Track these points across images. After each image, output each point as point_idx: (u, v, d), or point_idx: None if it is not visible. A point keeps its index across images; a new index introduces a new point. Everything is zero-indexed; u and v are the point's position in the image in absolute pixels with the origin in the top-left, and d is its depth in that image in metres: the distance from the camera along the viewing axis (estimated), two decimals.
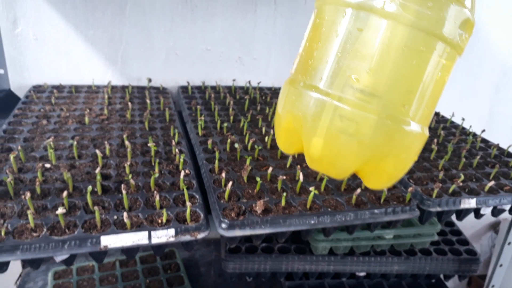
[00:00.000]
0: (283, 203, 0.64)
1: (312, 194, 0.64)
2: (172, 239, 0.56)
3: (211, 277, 1.12)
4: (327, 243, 0.88)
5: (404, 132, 0.44)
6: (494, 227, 1.60)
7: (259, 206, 0.62)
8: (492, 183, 0.74)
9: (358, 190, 0.66)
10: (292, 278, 0.98)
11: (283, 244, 0.92)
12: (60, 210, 0.55)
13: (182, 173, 0.65)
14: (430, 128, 1.01)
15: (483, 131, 0.99)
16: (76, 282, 0.97)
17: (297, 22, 1.20)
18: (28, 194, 0.56)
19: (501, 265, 0.94)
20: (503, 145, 0.93)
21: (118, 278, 0.99)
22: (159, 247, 0.59)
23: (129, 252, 0.58)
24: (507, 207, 0.75)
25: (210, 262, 1.17)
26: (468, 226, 1.50)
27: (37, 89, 1.03)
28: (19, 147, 0.71)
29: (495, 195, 0.72)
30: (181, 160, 0.70)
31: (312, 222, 0.62)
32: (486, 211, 0.74)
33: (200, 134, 0.85)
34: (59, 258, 0.55)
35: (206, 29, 1.15)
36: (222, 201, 0.63)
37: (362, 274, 0.98)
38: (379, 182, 0.52)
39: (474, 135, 1.01)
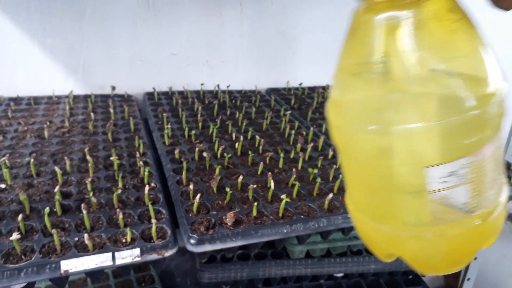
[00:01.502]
0: (254, 213, 0.62)
1: (283, 202, 0.62)
2: (137, 259, 0.53)
3: None
4: (303, 246, 0.87)
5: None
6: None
7: (229, 218, 0.60)
8: None
9: (331, 195, 0.65)
10: (270, 283, 0.96)
11: (259, 250, 0.90)
12: (15, 236, 0.51)
13: (147, 188, 0.62)
14: None
15: None
16: None
17: (263, 24, 1.19)
18: None
19: (475, 258, 0.95)
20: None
21: None
22: (125, 267, 0.56)
23: (93, 274, 0.55)
24: None
25: (186, 272, 1.14)
26: None
27: None
28: None
29: None
30: (146, 173, 0.67)
31: (285, 230, 0.61)
32: None
33: (167, 143, 0.82)
34: (16, 287, 0.51)
35: (171, 34, 1.12)
36: (190, 214, 0.61)
37: (340, 275, 0.97)
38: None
39: None
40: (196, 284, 1.10)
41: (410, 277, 1.05)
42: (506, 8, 0.33)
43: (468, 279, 0.97)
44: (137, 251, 0.53)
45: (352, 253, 0.92)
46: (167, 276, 1.11)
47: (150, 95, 1.09)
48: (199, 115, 0.96)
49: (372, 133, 0.33)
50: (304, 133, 0.92)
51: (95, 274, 0.56)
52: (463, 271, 1.01)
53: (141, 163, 0.71)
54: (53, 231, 0.52)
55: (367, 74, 0.33)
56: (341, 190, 0.70)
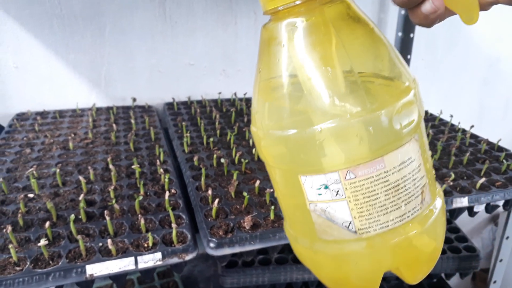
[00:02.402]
0: (272, 216, 0.63)
1: None
2: (159, 263, 0.55)
3: None
4: None
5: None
6: (494, 220, 1.59)
7: (247, 222, 0.61)
8: (483, 179, 0.73)
9: None
10: None
11: (280, 255, 0.90)
12: (42, 242, 0.53)
13: (167, 194, 0.64)
14: None
15: (472, 126, 0.98)
16: None
17: None
18: (9, 228, 0.55)
19: (501, 260, 0.93)
20: (495, 138, 0.93)
21: None
22: (148, 271, 0.58)
23: (117, 278, 0.57)
24: (501, 203, 0.74)
25: (209, 278, 1.15)
26: (467, 220, 1.49)
27: (21, 117, 1.02)
28: (1, 179, 0.70)
29: (487, 191, 0.71)
30: (166, 180, 0.69)
31: None
32: (480, 208, 0.73)
33: (186, 151, 0.84)
34: None
35: (188, 45, 1.15)
36: (209, 219, 0.62)
37: None
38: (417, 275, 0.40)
39: (464, 131, 1.00)
40: None
41: (435, 280, 1.03)
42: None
43: (495, 282, 0.95)
44: (158, 255, 0.55)
45: None
46: (190, 282, 1.13)
47: (169, 105, 1.11)
48: (217, 123, 0.98)
49: (270, 138, 0.33)
50: None
51: (119, 279, 0.57)
52: (490, 274, 0.99)
53: (161, 170, 0.73)
54: (79, 237, 0.54)
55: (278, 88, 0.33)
56: None
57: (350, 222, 0.32)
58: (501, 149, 0.89)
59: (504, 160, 0.83)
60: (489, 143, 0.92)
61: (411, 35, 1.27)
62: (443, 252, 0.93)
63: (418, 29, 1.29)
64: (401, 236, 0.32)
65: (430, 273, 0.94)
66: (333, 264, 0.35)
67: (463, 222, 1.05)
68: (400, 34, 1.27)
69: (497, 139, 0.92)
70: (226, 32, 1.16)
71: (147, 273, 0.58)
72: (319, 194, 0.32)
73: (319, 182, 0.31)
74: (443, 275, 1.00)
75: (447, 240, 0.98)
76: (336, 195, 0.31)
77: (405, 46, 1.27)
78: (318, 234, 0.34)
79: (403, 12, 1.27)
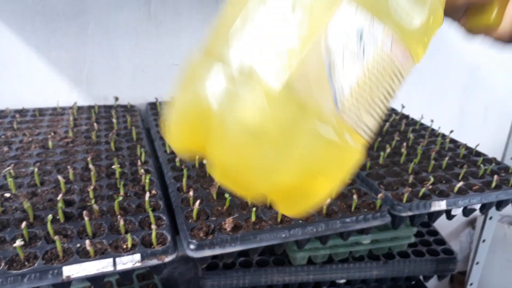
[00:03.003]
0: (253, 218, 0.63)
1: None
2: (138, 264, 0.54)
3: None
4: (304, 252, 0.87)
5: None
6: (472, 223, 1.62)
7: (228, 224, 0.61)
8: (460, 183, 0.74)
9: (328, 200, 0.66)
10: None
11: (261, 257, 0.90)
12: (18, 243, 0.52)
13: (147, 195, 0.64)
14: (399, 132, 1.02)
15: (452, 131, 1.00)
16: None
17: None
18: None
19: (477, 263, 0.95)
20: (474, 143, 0.95)
21: None
22: (126, 273, 0.57)
23: (95, 280, 0.56)
24: (478, 206, 0.76)
25: (190, 280, 1.14)
26: (446, 224, 1.52)
27: (1, 112, 1.00)
28: None
29: (464, 195, 0.73)
30: (147, 180, 0.69)
31: (283, 235, 0.61)
32: (457, 211, 0.75)
33: (168, 151, 0.83)
34: None
35: (173, 44, 1.14)
36: (190, 220, 0.62)
37: (342, 281, 0.97)
38: (293, 206, 0.36)
39: (443, 136, 1.02)
40: None
41: (413, 282, 1.04)
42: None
43: (471, 284, 0.97)
44: (137, 256, 0.54)
45: (354, 259, 0.92)
46: (170, 284, 1.12)
47: (152, 105, 1.10)
48: None
49: None
50: None
51: (97, 281, 0.57)
52: (466, 276, 1.01)
53: (142, 171, 0.73)
54: (56, 237, 0.53)
55: None
56: (339, 195, 0.70)
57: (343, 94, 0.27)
58: (479, 154, 0.91)
59: (481, 165, 0.85)
60: (467, 148, 0.94)
61: None
62: (422, 254, 0.95)
63: None
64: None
65: (409, 275, 0.95)
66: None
67: (442, 225, 1.07)
68: None
69: (476, 144, 0.94)
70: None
71: (126, 275, 0.57)
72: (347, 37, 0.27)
73: (357, 23, 0.27)
74: (421, 277, 1.02)
75: (425, 243, 0.99)
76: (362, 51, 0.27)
77: None
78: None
79: None
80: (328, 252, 0.88)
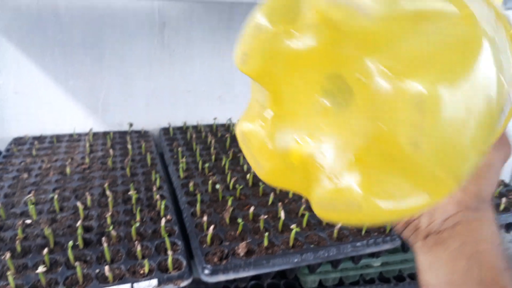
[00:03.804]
0: (265, 243, 0.64)
1: (294, 232, 0.65)
2: None
3: None
4: (315, 276, 0.88)
5: None
6: None
7: (241, 248, 0.62)
8: None
9: (339, 224, 0.67)
10: None
11: (272, 281, 0.91)
12: (40, 269, 0.54)
13: (163, 220, 0.66)
14: None
15: None
16: None
17: None
18: (7, 255, 0.56)
19: None
20: None
21: None
22: None
23: None
24: None
25: None
26: None
27: (18, 141, 1.04)
28: (0, 204, 0.71)
29: None
30: (162, 206, 0.71)
31: (296, 260, 0.63)
32: None
33: (181, 176, 0.86)
34: None
35: (185, 72, 1.18)
36: (204, 245, 0.63)
37: None
38: None
39: None
40: None
41: None
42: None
43: None
44: (154, 281, 0.56)
45: (365, 282, 0.92)
46: None
47: (165, 131, 1.14)
48: (212, 148, 1.00)
49: None
50: None
51: None
52: None
53: (157, 196, 0.75)
54: (76, 263, 0.56)
55: None
56: None
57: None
58: None
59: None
60: None
61: None
62: None
63: None
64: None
65: None
66: None
67: None
68: None
69: None
70: (223, 60, 1.20)
71: None
72: None
73: None
74: None
75: None
76: None
77: None
78: None
79: None
80: (339, 275, 0.89)
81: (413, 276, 0.94)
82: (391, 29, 0.23)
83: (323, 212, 0.28)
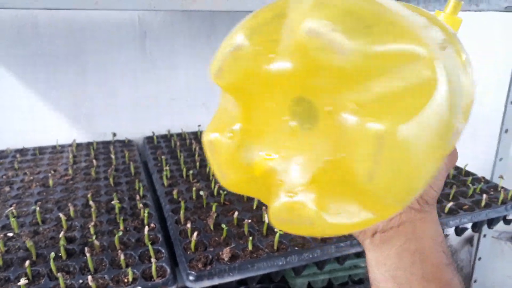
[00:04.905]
0: (250, 247, 0.65)
1: (278, 235, 0.65)
2: None
3: None
4: (304, 278, 0.88)
5: None
6: (470, 241, 1.62)
7: (226, 254, 0.62)
8: (451, 203, 0.77)
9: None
10: None
11: (261, 285, 0.91)
12: (22, 282, 0.54)
13: (147, 229, 0.66)
14: None
15: None
16: None
17: None
18: None
19: (475, 281, 0.96)
20: (463, 162, 0.97)
21: None
22: None
23: None
24: (469, 225, 0.78)
25: None
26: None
27: (0, 154, 1.03)
28: None
29: (454, 215, 0.75)
30: (146, 214, 0.71)
31: (280, 263, 0.63)
32: (450, 231, 0.76)
33: (165, 184, 0.86)
34: None
35: (169, 80, 1.18)
36: (188, 252, 0.63)
37: None
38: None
39: None
40: None
41: None
42: None
43: None
44: None
45: (354, 282, 0.93)
46: None
47: (149, 139, 1.13)
48: (196, 155, 1.00)
49: None
50: None
51: None
52: None
53: (141, 205, 0.75)
54: (59, 274, 0.55)
55: None
56: None
57: None
58: (468, 173, 0.94)
59: (470, 184, 0.87)
60: (457, 168, 0.96)
61: None
62: None
63: None
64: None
65: None
66: None
67: None
68: None
69: (464, 163, 0.96)
70: (205, 67, 1.20)
71: None
72: None
73: None
74: None
75: None
76: None
77: None
78: None
79: None
80: (327, 276, 0.89)
81: None
82: (362, 68, 0.25)
83: (277, 223, 0.31)
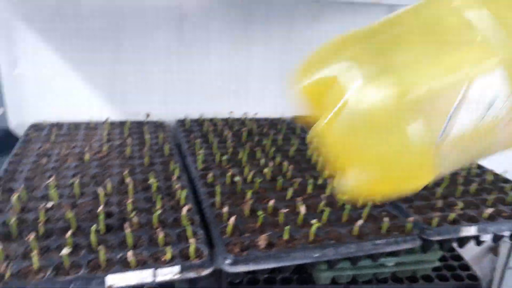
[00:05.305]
0: (285, 236, 0.64)
1: (315, 226, 0.64)
2: (177, 276, 0.56)
3: None
4: (330, 272, 0.87)
5: None
6: (493, 249, 1.59)
7: (262, 241, 0.62)
8: (491, 210, 0.75)
9: (360, 221, 0.67)
10: None
11: (285, 275, 0.91)
12: (65, 251, 0.55)
13: (186, 208, 0.66)
14: None
15: None
16: None
17: (289, 56, 1.25)
18: (32, 235, 0.57)
19: None
20: (500, 169, 0.95)
21: None
22: (163, 285, 0.59)
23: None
24: (507, 233, 0.76)
25: None
26: (467, 248, 1.50)
27: (36, 127, 1.04)
28: (21, 187, 0.71)
29: (494, 222, 0.73)
30: (183, 195, 0.71)
31: (316, 255, 0.63)
32: (487, 237, 0.75)
33: (199, 168, 0.86)
34: None
35: (202, 65, 1.18)
36: (225, 236, 0.63)
37: None
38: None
39: None
40: None
41: None
42: None
43: None
44: (176, 268, 0.56)
45: (378, 281, 0.92)
46: None
47: (182, 122, 1.14)
48: (228, 142, 1.00)
49: None
50: None
51: None
52: None
53: (177, 186, 0.75)
54: (100, 247, 0.56)
55: None
56: (370, 217, 0.72)
57: None
58: (506, 180, 0.92)
59: (509, 191, 0.85)
60: (494, 174, 0.94)
61: None
62: (446, 279, 0.95)
63: None
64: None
65: None
66: None
67: (463, 250, 1.06)
68: None
69: (502, 170, 0.94)
70: (239, 55, 1.20)
71: (161, 286, 0.59)
72: None
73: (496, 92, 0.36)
74: None
75: (449, 268, 0.99)
76: None
77: None
78: None
79: None
80: (353, 272, 0.89)
81: (426, 278, 0.94)
82: None
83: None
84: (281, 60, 1.23)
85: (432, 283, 0.93)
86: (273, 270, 0.90)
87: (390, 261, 0.89)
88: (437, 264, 0.93)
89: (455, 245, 0.86)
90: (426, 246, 0.71)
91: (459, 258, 1.04)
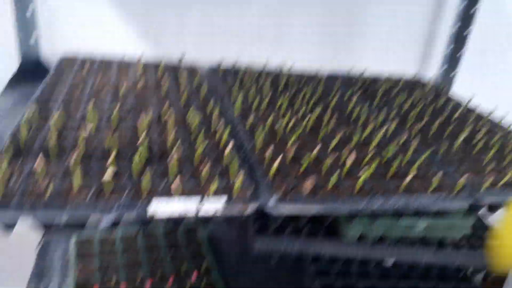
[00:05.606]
0: (330, 185, 0.62)
1: (363, 177, 0.62)
2: (220, 210, 0.54)
3: (234, 257, 1.09)
4: (359, 227, 0.86)
5: None
6: None
7: (306, 185, 0.60)
8: None
9: (409, 177, 0.64)
10: (317, 261, 0.96)
11: (311, 226, 0.90)
12: (110, 170, 0.53)
13: (231, 144, 0.63)
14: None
15: None
16: (99, 251, 0.95)
17: (331, 7, 1.20)
18: (74, 155, 0.55)
19: None
20: None
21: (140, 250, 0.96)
22: (204, 219, 0.57)
23: (174, 221, 0.57)
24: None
25: (234, 241, 1.14)
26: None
27: (68, 59, 1.01)
28: (59, 111, 0.69)
29: None
30: (225, 134, 0.69)
31: (363, 204, 0.60)
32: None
33: (237, 113, 0.83)
34: (105, 221, 0.53)
35: (241, 10, 1.14)
36: (268, 177, 0.61)
37: (390, 263, 0.96)
38: None
39: None
40: (244, 253, 1.10)
41: (460, 275, 1.02)
42: None
43: None
44: (222, 201, 0.54)
45: (406, 243, 0.90)
46: (212, 244, 1.12)
47: (217, 68, 1.10)
48: (266, 89, 0.97)
49: None
50: (373, 117, 0.91)
51: (175, 221, 0.57)
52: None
53: (216, 125, 0.73)
54: (144, 174, 0.54)
55: None
56: (418, 175, 0.69)
57: None
58: None
59: None
60: None
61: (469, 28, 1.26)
62: (474, 247, 0.92)
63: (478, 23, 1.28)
64: None
65: (459, 267, 0.93)
66: None
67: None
68: (457, 27, 1.26)
69: None
70: (280, 3, 1.15)
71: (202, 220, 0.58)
72: None
73: None
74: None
75: (479, 236, 0.97)
76: None
77: (461, 40, 1.27)
78: None
79: (461, 6, 1.25)
80: (382, 231, 0.87)
81: (456, 245, 0.92)
82: None
83: None
84: (324, 9, 1.19)
85: (461, 250, 0.91)
86: (297, 220, 0.89)
87: (421, 224, 0.86)
88: (468, 231, 0.91)
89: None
90: (473, 208, 0.68)
91: (489, 228, 1.02)
